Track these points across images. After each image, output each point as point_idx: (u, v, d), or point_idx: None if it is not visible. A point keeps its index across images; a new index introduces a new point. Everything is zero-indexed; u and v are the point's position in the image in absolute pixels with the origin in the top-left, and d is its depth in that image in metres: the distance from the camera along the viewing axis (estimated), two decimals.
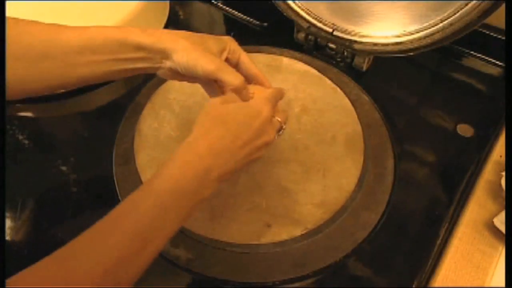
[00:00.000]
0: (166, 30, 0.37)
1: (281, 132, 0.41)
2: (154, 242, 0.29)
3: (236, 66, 0.41)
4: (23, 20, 0.34)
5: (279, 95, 0.41)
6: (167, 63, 0.37)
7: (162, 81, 0.55)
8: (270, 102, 0.38)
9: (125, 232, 0.28)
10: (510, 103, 0.40)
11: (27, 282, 0.25)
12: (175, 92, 0.53)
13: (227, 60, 0.39)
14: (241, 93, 0.37)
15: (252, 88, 0.40)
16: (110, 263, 0.27)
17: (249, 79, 0.41)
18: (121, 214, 0.29)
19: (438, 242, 0.43)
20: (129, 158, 0.48)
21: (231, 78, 0.36)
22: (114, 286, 0.27)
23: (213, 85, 0.39)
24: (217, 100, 0.36)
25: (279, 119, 0.41)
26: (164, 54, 0.36)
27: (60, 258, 0.27)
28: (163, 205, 0.30)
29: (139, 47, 0.36)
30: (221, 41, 0.39)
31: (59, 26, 0.35)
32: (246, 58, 0.41)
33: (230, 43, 0.40)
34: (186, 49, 0.36)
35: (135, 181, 0.46)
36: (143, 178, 0.46)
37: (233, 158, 0.34)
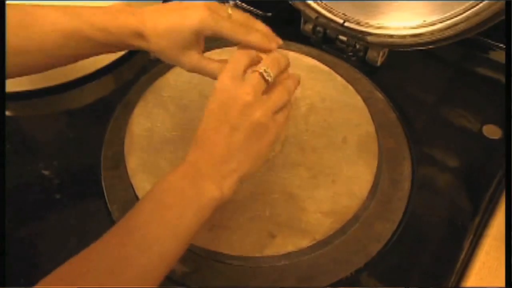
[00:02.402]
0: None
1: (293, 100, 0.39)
2: (157, 243, 0.31)
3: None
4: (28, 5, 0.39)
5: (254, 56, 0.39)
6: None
7: (155, 77, 0.55)
8: (234, 78, 0.35)
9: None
10: (510, 102, 0.41)
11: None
12: (170, 90, 0.54)
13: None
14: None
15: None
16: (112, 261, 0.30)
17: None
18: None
19: (462, 256, 0.43)
20: (119, 161, 0.48)
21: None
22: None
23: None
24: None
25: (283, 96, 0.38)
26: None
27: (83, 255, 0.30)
28: (161, 203, 0.33)
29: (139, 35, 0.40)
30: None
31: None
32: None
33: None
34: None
35: (126, 187, 0.46)
36: (134, 184, 0.45)
37: (225, 148, 0.35)
